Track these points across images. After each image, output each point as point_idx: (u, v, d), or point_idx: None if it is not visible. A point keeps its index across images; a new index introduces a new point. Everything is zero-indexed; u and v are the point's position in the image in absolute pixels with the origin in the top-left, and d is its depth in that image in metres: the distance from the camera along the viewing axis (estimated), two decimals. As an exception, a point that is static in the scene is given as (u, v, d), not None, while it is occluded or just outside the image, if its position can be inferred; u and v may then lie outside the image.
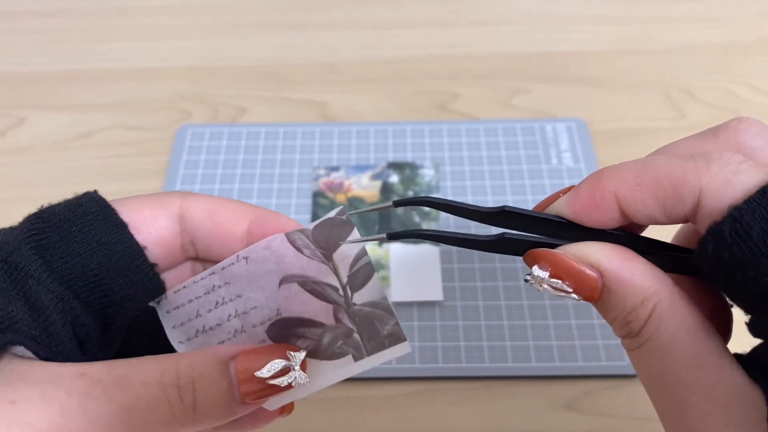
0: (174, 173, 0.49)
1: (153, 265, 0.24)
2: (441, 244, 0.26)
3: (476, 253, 0.44)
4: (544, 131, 0.51)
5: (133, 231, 0.23)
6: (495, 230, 0.23)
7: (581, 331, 0.41)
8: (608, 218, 0.21)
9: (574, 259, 0.21)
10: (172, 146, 0.51)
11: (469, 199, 0.47)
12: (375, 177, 0.49)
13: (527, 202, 0.47)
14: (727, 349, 0.20)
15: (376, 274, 0.24)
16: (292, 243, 0.24)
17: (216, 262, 0.25)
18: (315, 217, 0.46)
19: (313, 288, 0.24)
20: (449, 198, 0.25)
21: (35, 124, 0.54)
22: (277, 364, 0.22)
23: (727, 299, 0.22)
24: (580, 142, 0.51)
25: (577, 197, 0.21)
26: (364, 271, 0.23)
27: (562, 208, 0.22)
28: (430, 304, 0.42)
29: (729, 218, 0.19)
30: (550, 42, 0.59)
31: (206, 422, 0.21)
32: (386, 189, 0.48)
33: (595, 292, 0.21)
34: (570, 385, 0.39)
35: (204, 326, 0.25)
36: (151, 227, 0.23)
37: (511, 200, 0.47)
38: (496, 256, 0.44)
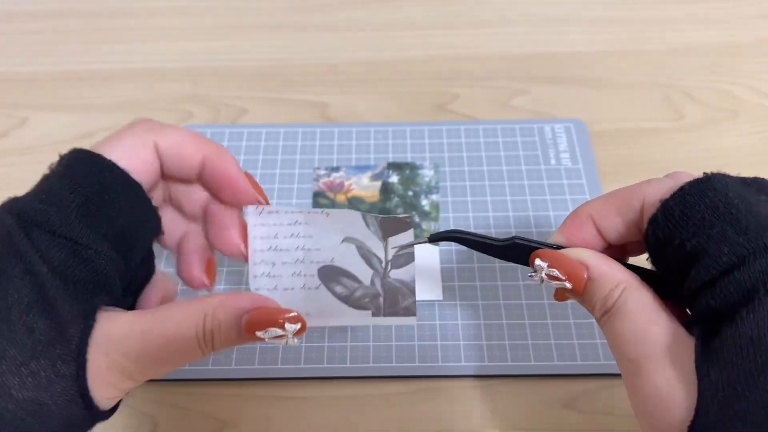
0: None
1: (156, 208, 0.30)
2: (462, 245, 0.32)
3: (475, 253, 0.44)
4: (542, 132, 0.52)
5: (129, 170, 0.29)
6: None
7: (580, 331, 0.41)
8: (590, 235, 0.30)
9: (569, 256, 0.29)
10: (174, 147, 0.51)
11: (468, 199, 0.47)
12: (375, 177, 0.49)
13: (526, 202, 0.47)
14: (673, 318, 0.27)
15: (414, 262, 0.31)
16: (364, 218, 0.32)
17: (179, 181, 0.32)
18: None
19: (365, 254, 0.31)
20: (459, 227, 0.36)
21: (37, 125, 0.54)
22: (274, 332, 0.27)
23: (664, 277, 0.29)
24: (578, 142, 0.51)
25: (565, 226, 0.30)
26: (406, 258, 0.31)
27: (557, 236, 0.30)
28: (430, 304, 0.42)
29: (660, 208, 0.27)
30: (549, 43, 0.59)
31: (218, 351, 0.29)
32: (386, 189, 0.48)
33: (582, 281, 0.28)
34: (569, 384, 0.40)
35: (276, 246, 0.32)
36: (141, 166, 0.29)
37: (510, 201, 0.47)
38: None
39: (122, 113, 0.55)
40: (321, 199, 0.48)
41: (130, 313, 0.28)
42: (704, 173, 0.27)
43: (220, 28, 0.61)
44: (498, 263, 0.44)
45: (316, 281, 0.32)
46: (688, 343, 0.25)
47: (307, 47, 0.60)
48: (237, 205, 0.32)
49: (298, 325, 0.27)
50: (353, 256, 0.31)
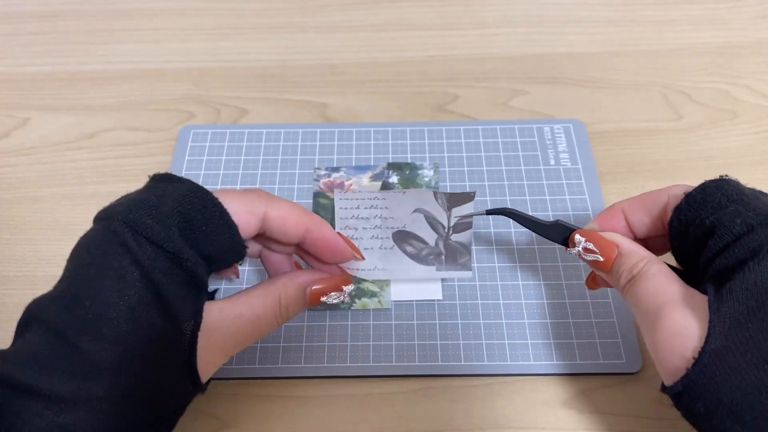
0: (176, 174, 0.49)
1: (246, 247, 0.35)
2: (517, 222, 0.39)
3: (475, 253, 0.45)
4: (542, 132, 0.52)
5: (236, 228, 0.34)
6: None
7: (579, 330, 0.41)
8: (618, 225, 0.36)
9: (604, 236, 0.35)
10: (175, 147, 0.51)
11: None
12: (375, 177, 0.49)
13: (525, 202, 0.47)
14: (687, 285, 0.32)
15: (471, 229, 0.39)
16: (435, 195, 0.38)
17: (279, 243, 0.37)
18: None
19: (431, 221, 0.39)
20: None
21: (39, 125, 0.54)
22: (334, 296, 0.36)
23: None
24: (577, 142, 0.51)
25: (600, 216, 0.37)
26: (465, 225, 0.39)
27: (592, 224, 0.37)
28: (430, 303, 0.43)
29: (684, 197, 0.33)
30: (548, 44, 0.60)
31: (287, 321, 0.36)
32: (386, 189, 0.48)
33: (612, 255, 0.34)
34: (568, 383, 0.40)
35: (358, 215, 0.39)
36: (244, 218, 0.34)
37: (510, 201, 0.47)
38: (495, 256, 0.44)
39: (124, 114, 0.55)
40: (321, 199, 0.48)
41: (223, 301, 0.34)
42: (720, 175, 0.34)
43: (220, 29, 0.61)
44: (497, 263, 0.44)
45: (391, 243, 0.39)
46: (702, 296, 0.31)
47: (307, 48, 0.60)
48: (336, 263, 0.38)
49: (352, 286, 0.37)
50: (422, 223, 0.39)
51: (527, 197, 0.48)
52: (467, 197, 0.38)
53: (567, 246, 0.37)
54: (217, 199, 0.33)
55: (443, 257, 0.39)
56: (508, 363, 0.40)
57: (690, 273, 0.34)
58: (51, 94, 0.56)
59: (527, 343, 0.41)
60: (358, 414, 0.39)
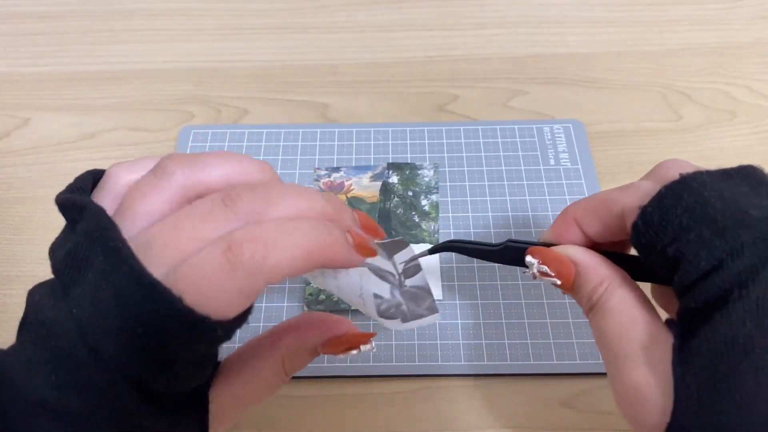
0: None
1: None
2: (463, 255, 0.35)
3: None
4: (542, 132, 0.52)
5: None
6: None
7: (579, 330, 0.41)
8: (574, 235, 0.30)
9: (557, 252, 0.30)
10: (175, 147, 0.52)
11: (468, 199, 0.48)
12: (375, 177, 0.49)
13: (525, 202, 0.47)
14: (656, 314, 0.28)
15: (423, 270, 0.34)
16: None
17: None
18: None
19: (379, 273, 0.34)
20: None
21: (39, 125, 0.54)
22: (351, 352, 0.30)
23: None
24: (577, 143, 0.51)
25: (554, 225, 0.31)
26: (414, 269, 0.34)
27: (547, 235, 0.32)
28: (430, 303, 0.43)
29: (640, 214, 0.27)
30: (548, 44, 0.60)
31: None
32: (386, 189, 0.48)
33: (571, 275, 0.29)
34: (568, 383, 0.40)
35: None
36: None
37: (509, 201, 0.48)
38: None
39: (124, 114, 0.55)
40: (321, 200, 0.48)
41: (220, 383, 0.29)
42: (680, 174, 0.27)
43: (221, 30, 0.61)
44: (497, 263, 0.44)
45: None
46: (666, 344, 0.26)
47: (307, 48, 0.60)
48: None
49: (371, 345, 0.30)
50: (371, 278, 0.35)
51: (527, 197, 0.48)
52: (400, 244, 0.34)
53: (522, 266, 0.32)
54: (204, 322, 0.23)
55: (404, 307, 0.34)
56: (508, 363, 0.40)
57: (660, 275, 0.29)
58: (51, 94, 0.56)
59: (527, 343, 0.41)
60: (358, 414, 0.39)
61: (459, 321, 0.42)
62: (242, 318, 0.25)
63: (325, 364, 0.40)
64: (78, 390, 0.23)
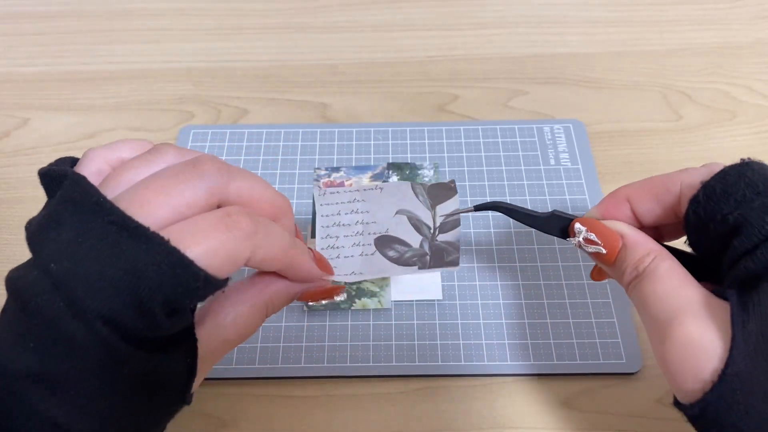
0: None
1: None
2: (508, 216, 0.36)
3: (474, 253, 0.45)
4: (542, 132, 0.52)
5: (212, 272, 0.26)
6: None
7: (579, 330, 0.41)
8: (623, 214, 0.32)
9: (606, 225, 0.31)
10: (175, 147, 0.52)
11: (468, 199, 0.48)
12: (375, 177, 0.49)
13: (525, 202, 0.47)
14: (703, 287, 0.28)
15: (459, 227, 0.36)
16: (413, 189, 0.37)
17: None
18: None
19: (416, 222, 0.36)
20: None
21: (39, 125, 0.54)
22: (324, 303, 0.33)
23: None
24: (577, 143, 0.51)
25: (602, 203, 0.32)
26: (452, 223, 0.36)
27: (593, 212, 0.33)
28: (430, 303, 0.43)
29: (701, 188, 0.29)
30: (548, 44, 0.60)
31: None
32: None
33: (616, 246, 0.31)
34: (568, 384, 0.40)
35: (340, 222, 0.37)
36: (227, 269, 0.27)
37: (510, 201, 0.47)
38: (495, 255, 0.44)
39: (124, 114, 0.55)
40: (321, 200, 0.48)
41: (209, 322, 0.29)
42: (741, 159, 0.29)
43: (220, 29, 0.61)
44: (497, 263, 0.44)
45: (372, 248, 0.36)
46: (721, 303, 0.27)
47: (307, 48, 0.60)
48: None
49: (344, 295, 0.34)
50: (405, 225, 0.36)
51: (527, 197, 0.48)
52: (447, 188, 0.36)
53: (566, 237, 0.34)
54: (190, 267, 0.24)
55: (427, 258, 0.36)
56: (508, 363, 0.40)
57: (710, 266, 0.30)
58: (51, 94, 0.56)
59: (527, 343, 0.41)
60: (358, 414, 0.39)
61: (459, 321, 0.42)
62: (222, 285, 0.26)
63: (325, 364, 0.40)
64: (60, 347, 0.23)
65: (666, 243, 0.32)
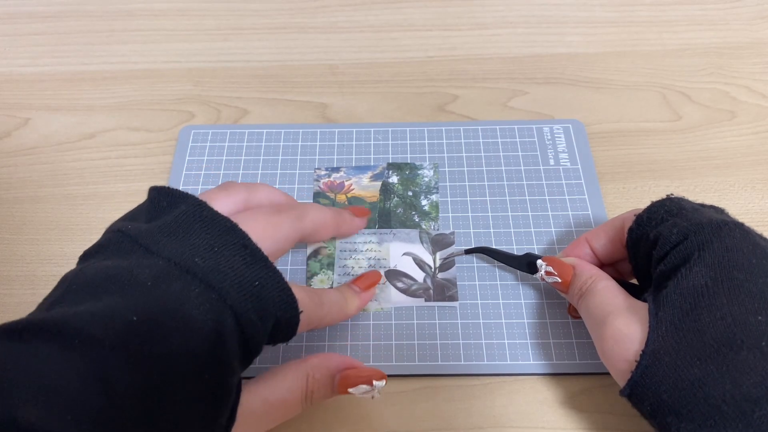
0: (177, 174, 0.50)
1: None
2: (492, 258, 0.44)
3: (474, 254, 0.45)
4: (541, 132, 0.52)
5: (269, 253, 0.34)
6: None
7: (579, 330, 0.41)
8: (583, 252, 0.40)
9: (562, 260, 0.39)
10: (175, 147, 0.52)
11: (468, 199, 0.48)
12: (375, 177, 0.49)
13: (525, 202, 0.47)
14: (631, 296, 0.35)
15: (455, 266, 0.44)
16: (420, 236, 0.45)
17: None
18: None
19: (419, 262, 0.44)
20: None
21: (39, 125, 0.54)
22: (364, 388, 0.34)
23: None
24: (577, 143, 0.51)
25: (568, 246, 0.41)
26: (449, 263, 0.44)
27: (560, 254, 0.41)
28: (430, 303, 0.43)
29: (635, 218, 0.37)
30: (548, 44, 0.60)
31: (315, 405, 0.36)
32: (386, 189, 0.48)
33: (569, 276, 0.38)
34: (568, 383, 0.40)
35: (356, 256, 0.45)
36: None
37: (509, 201, 0.48)
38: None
39: (124, 114, 0.55)
40: (321, 200, 0.48)
41: (251, 382, 0.34)
42: (667, 195, 0.37)
43: (221, 30, 0.61)
44: (497, 264, 0.44)
45: (383, 279, 0.43)
46: (644, 305, 0.34)
47: (307, 48, 0.60)
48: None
49: (384, 382, 0.34)
50: (411, 264, 0.44)
51: (527, 197, 0.48)
52: (449, 238, 0.45)
53: (534, 273, 0.40)
54: (289, 292, 0.32)
55: (431, 292, 0.43)
56: (508, 363, 0.40)
57: (646, 288, 0.36)
58: (51, 94, 0.56)
59: (527, 343, 0.41)
60: (358, 414, 0.39)
61: (459, 321, 0.42)
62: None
63: (325, 364, 0.40)
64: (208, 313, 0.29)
65: (628, 280, 0.40)
